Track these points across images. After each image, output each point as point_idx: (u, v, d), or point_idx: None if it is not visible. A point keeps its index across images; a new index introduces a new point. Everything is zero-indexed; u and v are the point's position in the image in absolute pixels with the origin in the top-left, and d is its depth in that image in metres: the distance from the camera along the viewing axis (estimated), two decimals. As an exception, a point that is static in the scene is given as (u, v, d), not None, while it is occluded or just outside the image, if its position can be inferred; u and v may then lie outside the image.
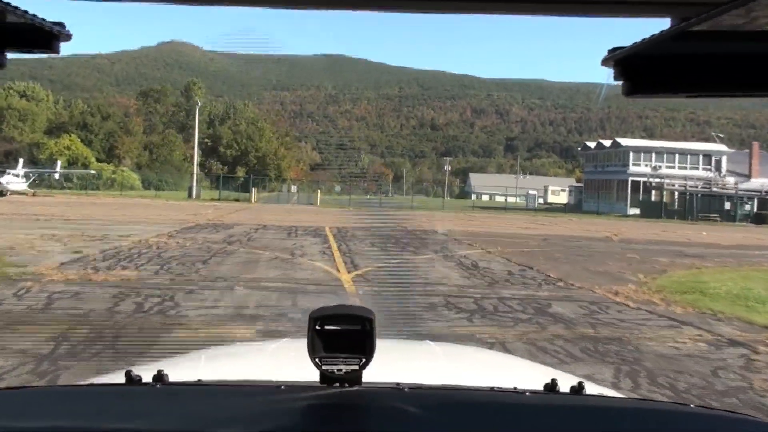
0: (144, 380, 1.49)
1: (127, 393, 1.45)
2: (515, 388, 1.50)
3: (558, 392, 1.52)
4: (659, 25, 0.78)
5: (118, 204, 45.67)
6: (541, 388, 1.54)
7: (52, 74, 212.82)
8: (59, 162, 65.78)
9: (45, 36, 0.78)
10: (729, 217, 62.03)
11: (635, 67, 0.79)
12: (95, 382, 1.83)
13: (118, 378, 1.54)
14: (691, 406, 1.58)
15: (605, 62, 0.81)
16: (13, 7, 0.72)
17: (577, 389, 1.53)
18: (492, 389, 1.48)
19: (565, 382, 1.58)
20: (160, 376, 1.48)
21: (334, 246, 20.51)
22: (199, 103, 78.01)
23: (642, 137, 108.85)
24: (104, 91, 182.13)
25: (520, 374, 2.40)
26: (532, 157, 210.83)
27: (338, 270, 14.91)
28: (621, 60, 0.80)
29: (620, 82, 0.82)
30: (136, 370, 1.55)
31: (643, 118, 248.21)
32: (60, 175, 65.92)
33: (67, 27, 0.80)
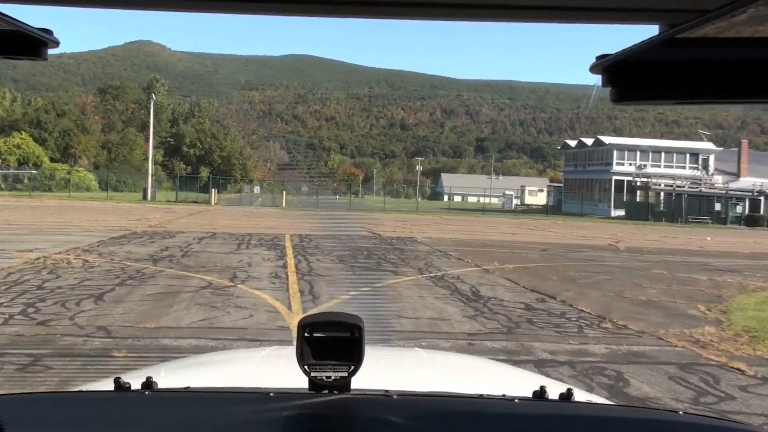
0: (133, 387, 1.47)
1: (116, 400, 1.43)
2: (504, 395, 1.49)
3: (547, 399, 1.50)
4: (647, 31, 0.78)
5: (58, 207, 40.50)
6: (530, 395, 1.52)
7: (17, 74, 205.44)
8: (-2, 162, 60.36)
9: (33, 43, 0.78)
10: (720, 219, 58.43)
11: (623, 74, 0.79)
12: (84, 389, 1.82)
13: (107, 385, 1.52)
14: (681, 412, 1.54)
15: (593, 69, 0.81)
16: (1, 14, 0.71)
17: (566, 396, 1.51)
18: (481, 396, 1.47)
19: (554, 389, 1.56)
20: (149, 383, 1.47)
21: (291, 264, 16.05)
22: (154, 98, 72.76)
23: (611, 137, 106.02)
24: (69, 91, 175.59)
25: (509, 381, 2.36)
26: (503, 157, 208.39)
27: (289, 307, 10.47)
28: (609, 67, 0.79)
29: (607, 89, 0.81)
30: (125, 377, 1.52)
31: (612, 119, 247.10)
32: (0, 176, 60.39)
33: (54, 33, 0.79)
